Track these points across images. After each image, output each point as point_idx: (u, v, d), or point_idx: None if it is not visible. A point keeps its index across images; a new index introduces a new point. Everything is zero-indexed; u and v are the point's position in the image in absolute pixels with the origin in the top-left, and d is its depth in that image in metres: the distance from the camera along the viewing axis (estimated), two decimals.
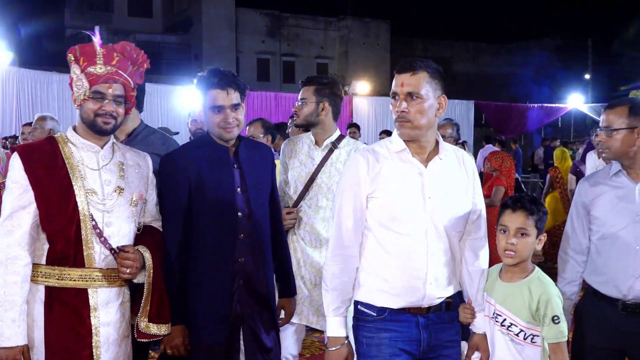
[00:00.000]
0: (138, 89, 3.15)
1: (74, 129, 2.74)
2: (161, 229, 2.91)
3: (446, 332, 2.77)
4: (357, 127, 10.94)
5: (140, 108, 3.48)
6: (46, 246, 2.59)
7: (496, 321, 2.84)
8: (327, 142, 3.69)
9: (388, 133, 10.20)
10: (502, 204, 2.93)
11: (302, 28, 36.97)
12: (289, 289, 3.32)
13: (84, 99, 2.62)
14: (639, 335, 2.98)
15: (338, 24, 37.51)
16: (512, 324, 2.80)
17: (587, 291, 3.05)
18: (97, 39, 2.66)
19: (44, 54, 29.70)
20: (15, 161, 2.59)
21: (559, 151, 10.65)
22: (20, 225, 2.53)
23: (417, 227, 2.66)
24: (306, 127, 3.79)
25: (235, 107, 3.03)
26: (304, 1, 41.60)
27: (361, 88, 23.00)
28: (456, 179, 2.78)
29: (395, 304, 2.68)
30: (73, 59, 2.65)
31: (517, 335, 2.79)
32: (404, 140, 2.68)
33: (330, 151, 3.68)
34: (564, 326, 2.74)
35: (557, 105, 22.91)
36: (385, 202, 2.66)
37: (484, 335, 2.88)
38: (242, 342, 3.04)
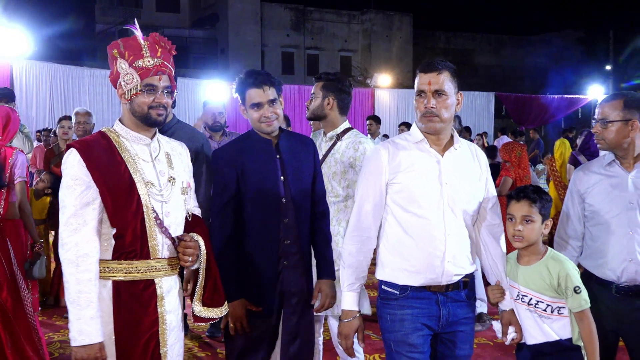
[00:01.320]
0: None
1: (121, 121, 2.71)
2: (200, 216, 2.93)
3: (463, 309, 2.89)
4: (375, 118, 11.12)
5: (173, 104, 3.65)
6: (111, 241, 2.56)
7: (522, 301, 2.97)
8: (332, 134, 3.89)
9: (407, 125, 10.49)
10: (507, 195, 3.09)
11: (325, 22, 37.07)
12: (326, 272, 3.35)
13: (136, 92, 2.59)
14: (631, 316, 3.08)
15: (361, 17, 37.58)
16: (538, 301, 2.93)
17: (583, 275, 3.07)
18: (139, 32, 2.62)
19: (76, 49, 29.96)
20: (74, 158, 2.53)
21: (559, 142, 10.77)
22: (85, 222, 2.49)
23: (435, 209, 2.79)
24: (315, 119, 3.99)
25: (272, 102, 3.17)
26: None
27: (383, 81, 22.91)
28: (470, 168, 2.92)
29: (416, 281, 2.80)
30: (118, 54, 2.61)
31: (544, 310, 2.92)
32: (427, 133, 2.83)
33: (334, 143, 3.86)
34: (585, 295, 2.87)
35: (577, 96, 22.90)
36: (406, 186, 2.80)
37: (513, 311, 3.02)
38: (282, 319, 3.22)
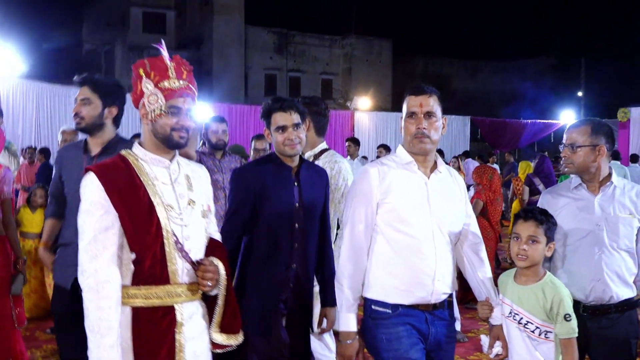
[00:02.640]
0: (119, 106, 3.60)
1: (140, 144, 2.62)
2: (220, 240, 2.83)
3: (447, 327, 2.93)
4: (354, 140, 11.26)
5: (117, 123, 3.73)
6: (130, 266, 2.46)
7: (514, 319, 2.98)
8: (310, 154, 4.00)
9: (385, 147, 10.98)
10: (515, 215, 3.11)
11: (308, 45, 37.57)
12: (331, 299, 3.29)
13: (159, 114, 2.52)
14: (598, 334, 3.12)
15: (342, 41, 38.16)
16: (528, 322, 2.95)
17: None
18: (165, 52, 2.56)
19: (62, 68, 29.70)
20: (92, 181, 2.44)
21: (524, 163, 11.40)
22: (105, 247, 2.40)
23: (425, 229, 2.81)
24: None
25: (296, 126, 3.24)
26: (310, 20, 42.05)
27: (362, 104, 23.33)
28: (452, 190, 2.99)
29: (407, 300, 2.80)
30: (143, 72, 2.54)
31: (532, 332, 2.94)
32: (416, 154, 2.88)
33: None
34: (574, 323, 2.90)
35: (550, 121, 23.35)
36: (396, 206, 2.81)
37: (502, 327, 3.05)
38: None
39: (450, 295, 2.96)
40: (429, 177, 2.90)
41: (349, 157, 10.67)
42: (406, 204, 2.82)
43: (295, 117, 3.28)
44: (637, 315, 3.22)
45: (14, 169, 8.68)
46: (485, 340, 3.13)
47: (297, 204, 3.26)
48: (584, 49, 33.50)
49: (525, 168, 10.98)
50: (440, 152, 9.46)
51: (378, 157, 10.87)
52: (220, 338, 2.68)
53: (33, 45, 24.02)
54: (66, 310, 3.38)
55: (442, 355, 2.93)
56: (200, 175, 2.77)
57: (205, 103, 17.25)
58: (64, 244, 3.56)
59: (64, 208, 3.63)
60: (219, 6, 34.74)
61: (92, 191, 2.44)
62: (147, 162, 2.58)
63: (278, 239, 3.17)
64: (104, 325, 2.36)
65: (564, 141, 3.26)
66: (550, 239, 3.00)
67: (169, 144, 2.57)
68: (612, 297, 3.11)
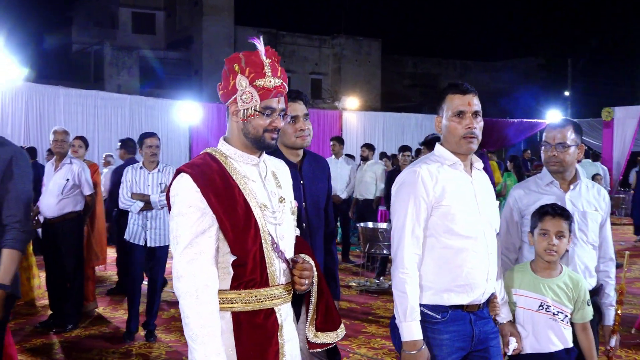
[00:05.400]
0: None
1: (226, 141, 2.49)
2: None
3: (489, 324, 2.88)
4: (339, 139, 11.39)
5: None
6: (229, 270, 2.35)
7: (547, 311, 3.09)
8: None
9: (368, 146, 11.18)
10: (542, 212, 3.15)
11: (297, 45, 37.74)
12: (337, 293, 3.30)
13: (253, 114, 2.38)
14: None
15: (332, 41, 38.36)
16: (559, 311, 3.09)
17: None
18: (262, 48, 2.42)
19: (51, 69, 30.27)
20: (187, 183, 2.32)
21: (495, 164, 11.77)
22: (202, 252, 2.28)
23: (477, 229, 2.78)
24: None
25: (306, 116, 3.21)
26: (300, 20, 42.34)
27: (351, 103, 23.39)
28: (490, 187, 2.97)
29: (463, 300, 2.75)
30: (238, 69, 2.40)
31: (562, 320, 3.10)
32: (460, 154, 2.82)
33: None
34: (591, 308, 3.16)
35: (536, 120, 23.41)
36: (450, 208, 2.74)
37: (512, 323, 3.11)
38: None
39: (492, 294, 2.94)
40: (471, 176, 2.88)
41: (333, 155, 10.86)
42: (460, 205, 2.77)
43: (305, 108, 3.22)
44: (598, 302, 3.43)
45: None
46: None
47: (303, 203, 3.20)
48: (571, 49, 33.79)
49: (496, 168, 11.34)
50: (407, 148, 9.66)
51: (362, 156, 11.09)
52: (317, 338, 2.57)
53: (24, 46, 23.94)
54: None
55: (490, 352, 2.87)
56: (284, 171, 2.65)
57: (195, 103, 17.39)
58: None
59: None
60: (208, 6, 34.87)
61: (186, 193, 2.31)
62: (236, 159, 2.45)
63: None
64: (207, 333, 2.24)
65: (550, 141, 3.33)
66: (569, 233, 3.14)
67: (260, 145, 2.44)
68: None
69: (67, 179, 6.55)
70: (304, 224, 3.18)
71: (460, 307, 2.77)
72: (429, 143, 6.38)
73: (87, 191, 6.74)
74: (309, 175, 3.28)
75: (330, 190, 3.46)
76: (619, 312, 3.49)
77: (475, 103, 2.80)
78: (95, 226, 7.36)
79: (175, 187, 2.35)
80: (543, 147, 3.35)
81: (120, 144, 8.79)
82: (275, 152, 3.20)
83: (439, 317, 2.76)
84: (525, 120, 23.24)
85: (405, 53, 41.43)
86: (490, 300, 2.95)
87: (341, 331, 2.63)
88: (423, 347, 2.71)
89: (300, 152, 3.29)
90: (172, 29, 37.30)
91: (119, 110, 15.66)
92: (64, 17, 37.70)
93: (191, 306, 2.24)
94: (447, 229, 2.75)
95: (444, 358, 2.76)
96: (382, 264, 9.01)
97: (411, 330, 2.71)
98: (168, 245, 6.24)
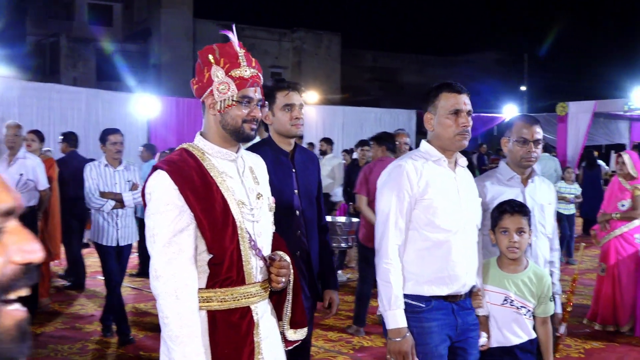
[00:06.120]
0: None
1: (203, 136, 2.45)
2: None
3: (471, 316, 2.99)
4: (327, 140, 11.57)
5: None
6: (206, 269, 2.31)
7: (512, 305, 3.16)
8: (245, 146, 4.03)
9: (326, 140, 11.35)
10: (501, 210, 3.20)
11: (257, 39, 37.15)
12: (334, 282, 3.39)
13: (230, 104, 2.35)
14: None
15: (292, 35, 38.17)
16: (522, 306, 3.17)
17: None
18: (235, 39, 2.41)
19: (6, 61, 29.63)
20: (164, 180, 2.27)
21: None
22: (181, 250, 2.23)
23: (459, 223, 2.87)
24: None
25: (302, 106, 3.25)
26: (260, 13, 42.03)
27: (310, 97, 23.37)
28: (472, 183, 3.09)
29: (443, 291, 2.84)
30: (213, 60, 2.37)
31: (525, 315, 3.18)
32: (445, 150, 2.92)
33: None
34: (552, 303, 3.23)
35: (493, 114, 23.75)
36: (433, 202, 2.83)
37: (487, 317, 3.16)
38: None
39: (474, 286, 3.03)
40: (455, 172, 2.97)
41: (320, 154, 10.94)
42: (442, 200, 2.86)
43: (301, 98, 3.28)
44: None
45: None
46: None
47: (295, 190, 3.26)
48: (528, 45, 34.42)
49: None
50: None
51: (320, 150, 11.14)
52: (294, 335, 2.58)
53: None
54: None
55: (470, 342, 2.97)
56: (261, 166, 2.63)
57: (153, 96, 17.23)
58: None
59: None
60: None
61: (164, 190, 2.26)
62: (214, 155, 2.41)
63: (280, 226, 2.95)
64: (186, 333, 2.20)
65: (528, 137, 3.38)
66: (530, 227, 3.19)
67: (239, 136, 2.41)
68: None
69: (21, 174, 6.46)
70: (297, 212, 3.23)
71: (442, 297, 2.85)
72: (379, 138, 6.52)
73: (42, 186, 6.65)
74: (301, 165, 3.32)
75: (320, 184, 3.53)
76: (572, 301, 3.61)
77: (469, 102, 2.91)
78: (49, 221, 7.26)
79: (152, 184, 2.30)
80: (518, 144, 3.38)
81: (62, 137, 8.67)
82: (268, 142, 3.26)
83: (424, 305, 2.84)
84: (482, 114, 23.37)
85: (365, 47, 41.43)
86: (474, 293, 3.05)
87: (306, 329, 2.66)
88: (407, 334, 2.78)
89: (293, 141, 3.32)
90: (129, 21, 36.68)
91: (75, 104, 15.43)
92: (19, 8, 36.76)
93: (171, 306, 2.20)
94: (429, 222, 2.84)
95: (438, 345, 2.84)
96: (340, 257, 9.06)
97: (396, 318, 2.79)
98: (132, 244, 6.20)
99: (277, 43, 38.30)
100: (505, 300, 3.17)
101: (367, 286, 6.38)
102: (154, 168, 2.33)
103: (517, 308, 3.17)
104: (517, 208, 3.16)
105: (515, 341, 3.18)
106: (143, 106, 16.21)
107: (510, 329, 3.18)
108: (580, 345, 6.04)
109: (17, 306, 0.82)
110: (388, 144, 6.43)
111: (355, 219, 7.69)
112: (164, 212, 2.24)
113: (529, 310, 3.19)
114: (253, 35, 37.52)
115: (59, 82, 24.15)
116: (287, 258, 2.49)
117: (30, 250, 0.83)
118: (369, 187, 6.15)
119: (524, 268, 3.21)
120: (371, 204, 6.09)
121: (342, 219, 8.60)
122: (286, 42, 38.43)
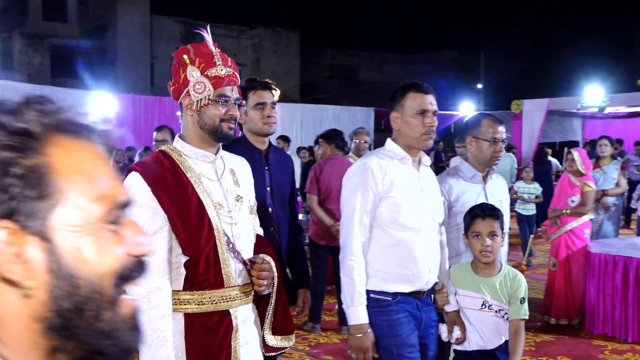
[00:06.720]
0: None
1: (182, 138, 2.42)
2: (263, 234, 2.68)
3: (432, 312, 3.06)
4: (284, 137, 11.63)
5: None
6: (182, 270, 2.28)
7: (490, 309, 3.16)
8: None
9: (283, 138, 11.30)
10: (473, 215, 3.21)
11: (215, 36, 33.01)
12: (306, 282, 3.42)
13: (207, 103, 2.33)
14: None
15: (250, 32, 37.97)
16: (500, 309, 3.18)
17: None
18: (209, 38, 2.42)
19: None
20: (137, 182, 2.24)
21: None
22: (154, 253, 2.16)
23: (422, 221, 2.92)
24: None
25: (274, 104, 3.27)
26: (218, 10, 41.64)
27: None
28: (435, 182, 3.16)
29: (406, 288, 2.89)
30: (188, 60, 2.35)
31: (503, 317, 3.19)
32: (410, 149, 2.95)
33: None
34: (527, 307, 3.20)
35: (449, 112, 23.86)
36: (398, 200, 2.86)
37: (458, 313, 3.19)
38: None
39: (436, 283, 3.08)
40: (419, 170, 3.01)
41: None
42: (406, 198, 2.89)
43: (272, 96, 3.29)
44: None
45: None
46: (443, 328, 3.21)
47: (268, 188, 3.26)
48: (484, 43, 34.83)
49: None
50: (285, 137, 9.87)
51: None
52: (274, 341, 2.52)
53: None
54: None
55: (431, 338, 3.03)
56: (244, 168, 2.60)
57: (109, 94, 17.00)
58: None
59: None
60: None
61: (137, 192, 2.22)
62: (191, 157, 2.39)
63: None
64: (158, 337, 2.17)
65: (497, 136, 3.47)
66: (502, 230, 3.21)
67: (217, 135, 2.38)
68: None
69: None
70: (269, 209, 3.23)
71: (406, 294, 2.90)
72: (328, 136, 6.53)
73: None
74: (275, 164, 3.34)
75: (295, 184, 3.55)
76: None
77: (435, 103, 2.97)
78: None
79: (125, 186, 2.21)
80: (488, 144, 3.41)
81: None
82: (242, 140, 3.27)
83: (390, 298, 2.88)
84: (439, 112, 23.51)
85: (324, 45, 41.38)
86: (439, 290, 3.12)
87: (294, 337, 2.62)
88: (368, 330, 2.83)
89: (267, 140, 3.33)
90: (84, 17, 35.92)
91: None
92: None
93: (143, 310, 2.14)
94: (393, 220, 2.87)
95: (409, 335, 2.88)
96: None
97: (358, 314, 2.83)
98: None
99: (235, 40, 38.05)
100: (483, 304, 3.19)
101: (320, 283, 6.39)
102: (128, 170, 2.30)
103: (496, 311, 3.19)
104: (488, 212, 3.17)
105: (497, 344, 3.21)
106: (99, 104, 15.98)
107: (491, 333, 3.20)
108: (531, 338, 6.17)
109: (130, 296, 0.86)
110: (337, 141, 6.41)
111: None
112: (137, 214, 2.20)
113: (507, 313, 3.21)
114: (211, 32, 36.92)
115: (12, 79, 23.68)
116: (271, 261, 2.46)
117: (144, 242, 0.86)
118: (320, 186, 6.16)
119: (498, 271, 3.23)
120: (322, 202, 6.15)
121: (299, 216, 8.58)
122: (245, 39, 38.28)
